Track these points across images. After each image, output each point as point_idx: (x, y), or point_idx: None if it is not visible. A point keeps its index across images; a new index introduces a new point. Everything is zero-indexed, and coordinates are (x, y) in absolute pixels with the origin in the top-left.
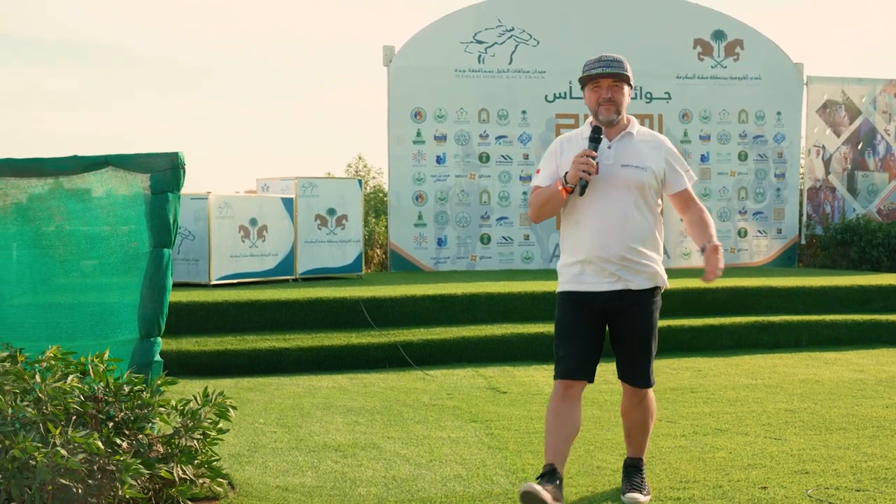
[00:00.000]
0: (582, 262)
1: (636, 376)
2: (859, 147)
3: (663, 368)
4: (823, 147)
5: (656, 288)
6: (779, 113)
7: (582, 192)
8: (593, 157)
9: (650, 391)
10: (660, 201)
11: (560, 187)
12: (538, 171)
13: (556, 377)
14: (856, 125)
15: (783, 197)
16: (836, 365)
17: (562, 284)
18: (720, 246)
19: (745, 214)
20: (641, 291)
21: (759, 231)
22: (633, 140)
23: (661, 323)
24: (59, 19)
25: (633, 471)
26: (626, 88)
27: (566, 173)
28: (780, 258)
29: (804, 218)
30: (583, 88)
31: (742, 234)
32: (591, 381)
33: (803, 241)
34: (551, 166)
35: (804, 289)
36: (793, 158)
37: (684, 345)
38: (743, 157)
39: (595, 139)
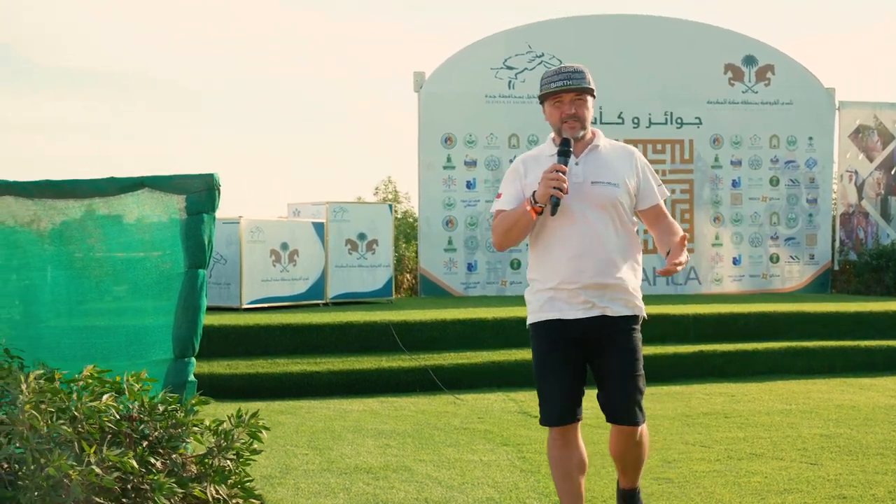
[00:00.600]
0: (553, 290)
1: (626, 414)
2: (892, 172)
3: (696, 393)
4: (856, 172)
5: (635, 317)
6: (810, 138)
7: (554, 212)
8: (564, 173)
9: (643, 430)
10: (635, 219)
11: (529, 208)
12: (499, 196)
13: (541, 423)
14: (889, 150)
15: (815, 222)
16: (872, 391)
17: (532, 314)
18: (686, 236)
19: (777, 240)
20: (620, 318)
21: (791, 257)
22: (600, 154)
23: (693, 348)
24: (83, 48)
25: (629, 500)
26: (590, 101)
27: (534, 192)
28: (812, 284)
29: (837, 243)
30: (542, 104)
31: (774, 259)
32: (578, 420)
33: (836, 267)
34: (515, 188)
35: (838, 314)
36: (825, 184)
37: (716, 370)
38: (774, 182)
39: (564, 153)
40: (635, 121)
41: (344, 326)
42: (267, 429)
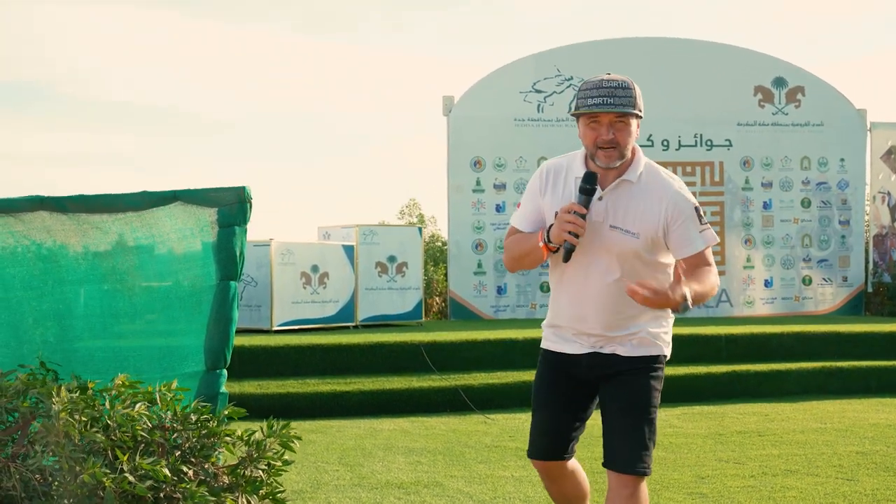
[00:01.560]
0: (559, 328)
1: (622, 458)
2: None
3: (729, 413)
4: (889, 193)
5: (653, 357)
6: (842, 159)
7: (567, 258)
8: (583, 215)
9: (642, 488)
10: (667, 261)
11: (541, 243)
12: (519, 206)
13: (528, 455)
14: None
15: (848, 244)
16: None
17: (543, 341)
18: (687, 293)
19: (810, 262)
20: (634, 357)
21: (823, 279)
22: (631, 191)
23: (726, 368)
24: (118, 84)
25: None
26: (635, 123)
27: (550, 227)
28: (846, 306)
29: (870, 265)
30: (577, 118)
31: (807, 282)
32: (567, 458)
33: (870, 290)
34: (533, 205)
35: (873, 334)
36: (857, 205)
37: (750, 390)
38: (806, 203)
39: (587, 190)
40: (665, 143)
41: (374, 347)
42: (298, 438)
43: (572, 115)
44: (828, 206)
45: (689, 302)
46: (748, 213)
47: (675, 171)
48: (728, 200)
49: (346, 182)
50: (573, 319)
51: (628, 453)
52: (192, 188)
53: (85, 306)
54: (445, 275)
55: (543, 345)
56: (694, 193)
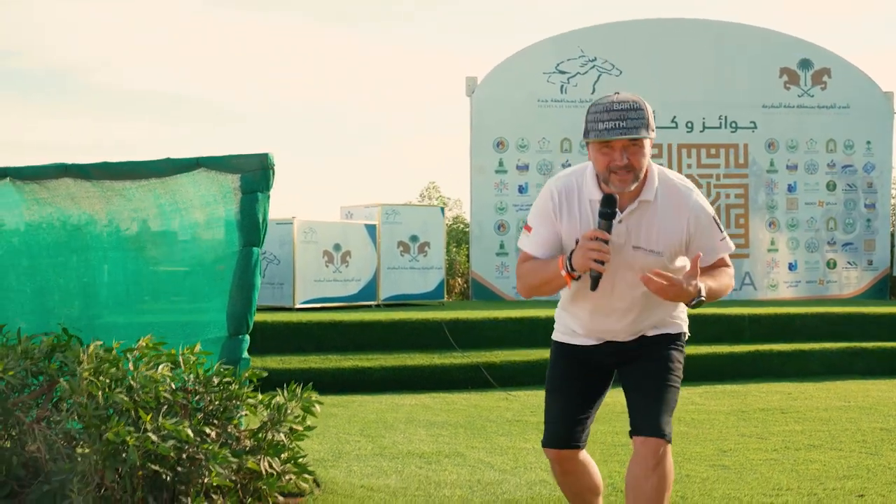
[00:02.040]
0: (574, 330)
1: (649, 422)
2: None
3: (751, 391)
4: None
5: (676, 334)
6: (868, 142)
7: (595, 286)
8: (606, 241)
9: (668, 456)
10: (684, 264)
11: (563, 272)
12: (528, 229)
13: (542, 444)
14: None
15: (874, 227)
16: None
17: (556, 334)
18: (701, 287)
19: (834, 245)
20: (654, 336)
21: (848, 262)
22: (650, 210)
23: (749, 347)
24: (141, 73)
25: None
26: (648, 144)
27: (571, 254)
28: (870, 290)
29: None
30: (586, 141)
31: (831, 265)
32: (580, 447)
33: (895, 274)
34: (547, 230)
35: None
36: (883, 188)
37: (773, 370)
38: (831, 186)
39: (608, 214)
40: (689, 125)
41: (396, 324)
42: (320, 403)
43: (583, 141)
44: (853, 189)
45: (703, 296)
46: (773, 196)
47: (698, 154)
48: (752, 183)
49: (369, 165)
50: (597, 331)
51: (657, 419)
52: (214, 155)
53: (109, 274)
54: (467, 256)
55: (558, 339)
56: (717, 175)
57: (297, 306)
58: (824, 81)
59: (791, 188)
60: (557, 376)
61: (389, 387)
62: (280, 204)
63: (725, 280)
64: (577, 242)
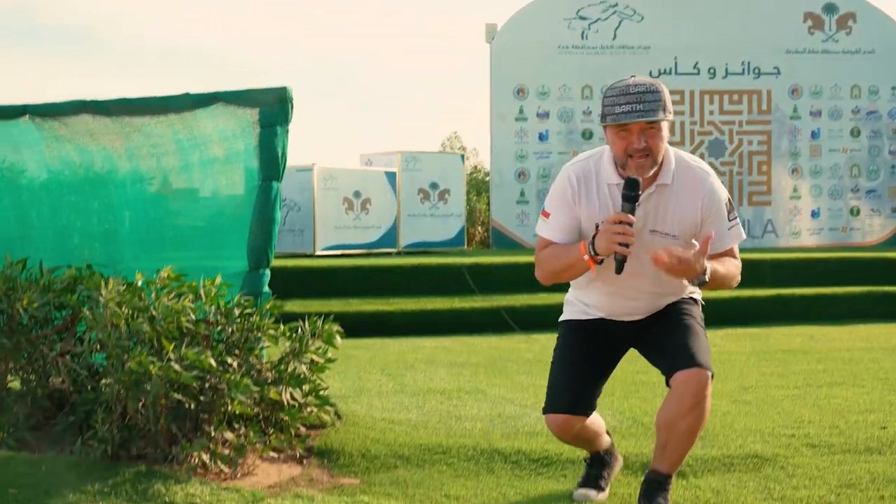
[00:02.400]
0: (589, 310)
1: (686, 358)
2: None
3: (772, 334)
4: None
5: (690, 298)
6: (893, 88)
7: (620, 269)
8: (630, 224)
9: (709, 393)
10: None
11: (587, 257)
12: (546, 215)
13: (543, 410)
14: None
15: None
16: None
17: (565, 315)
18: (707, 267)
19: (858, 192)
20: (671, 302)
21: (872, 210)
22: (666, 193)
23: (771, 291)
24: (159, 30)
25: (656, 488)
26: (666, 127)
27: (594, 238)
28: (894, 237)
29: None
30: (603, 126)
31: (854, 212)
32: (587, 415)
33: None
34: (566, 216)
35: None
36: None
37: (795, 314)
38: (856, 133)
39: (631, 198)
40: (711, 71)
41: (416, 269)
42: (341, 334)
43: (600, 125)
44: (878, 135)
45: (707, 276)
46: (795, 143)
47: (721, 100)
48: (775, 129)
49: (390, 112)
50: (616, 312)
51: (697, 354)
52: (232, 90)
53: (129, 208)
54: (488, 204)
55: (568, 318)
56: (740, 122)
57: (318, 253)
58: (849, 26)
59: (815, 135)
60: (566, 347)
61: (410, 331)
62: (300, 151)
63: (732, 270)
64: (596, 227)
